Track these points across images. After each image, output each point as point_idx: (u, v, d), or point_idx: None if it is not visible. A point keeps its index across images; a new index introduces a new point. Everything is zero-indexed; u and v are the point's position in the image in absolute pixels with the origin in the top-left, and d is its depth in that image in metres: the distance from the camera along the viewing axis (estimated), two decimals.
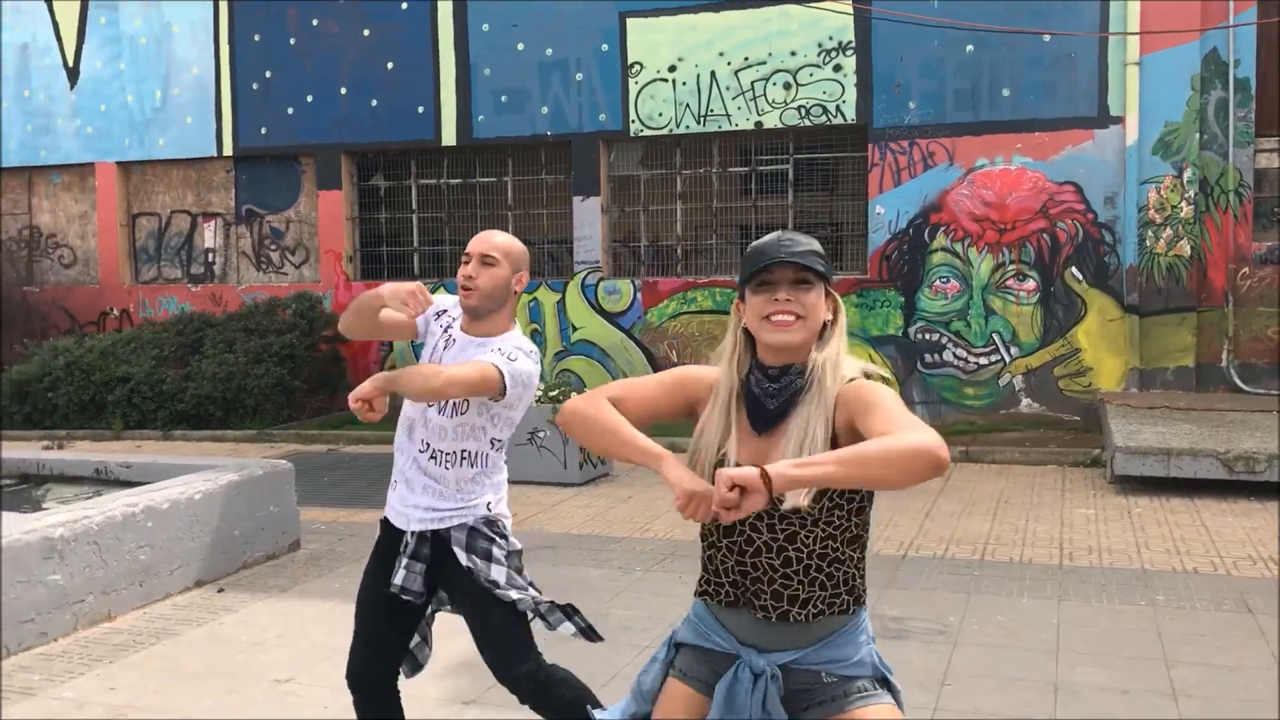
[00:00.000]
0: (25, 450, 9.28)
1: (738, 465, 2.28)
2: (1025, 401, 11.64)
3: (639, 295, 12.88)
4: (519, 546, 3.45)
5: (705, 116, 12.54)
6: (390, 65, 13.61)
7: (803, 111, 12.21)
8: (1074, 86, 11.35)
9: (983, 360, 11.75)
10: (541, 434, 9.36)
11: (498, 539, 3.37)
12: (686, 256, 13.04)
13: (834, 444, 2.23)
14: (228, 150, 14.46)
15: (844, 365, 2.33)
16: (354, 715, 3.58)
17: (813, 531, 2.26)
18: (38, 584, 5.55)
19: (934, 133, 11.76)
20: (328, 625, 5.74)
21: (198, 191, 14.95)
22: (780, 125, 12.33)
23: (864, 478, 2.06)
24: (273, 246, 14.68)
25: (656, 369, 12.64)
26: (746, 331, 2.39)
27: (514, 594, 3.28)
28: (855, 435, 2.21)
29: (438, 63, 13.42)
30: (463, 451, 3.35)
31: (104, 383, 12.90)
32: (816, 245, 2.34)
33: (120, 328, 14.66)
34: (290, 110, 14.10)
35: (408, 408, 3.45)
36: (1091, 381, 11.41)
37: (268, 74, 14.17)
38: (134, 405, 12.89)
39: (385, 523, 3.52)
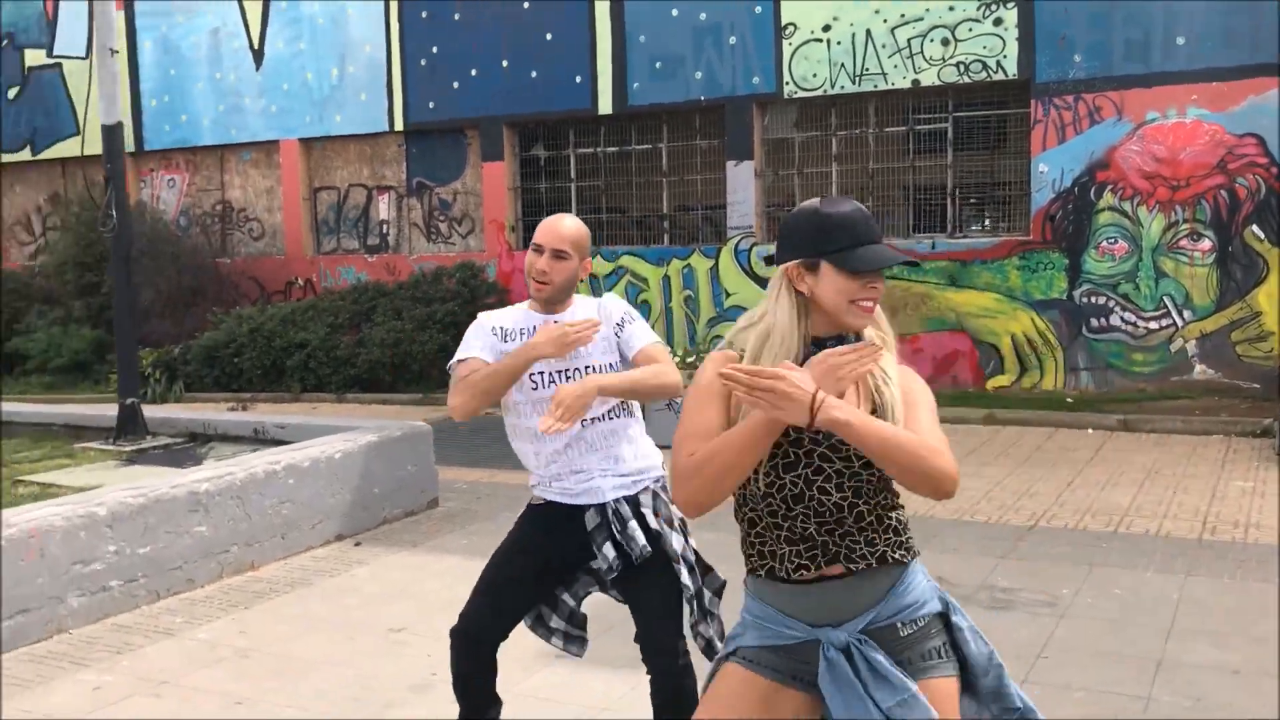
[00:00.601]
0: (199, 411, 9.97)
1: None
2: (1199, 368, 11.02)
3: None
4: None
5: (861, 76, 12.28)
6: (549, 36, 13.83)
7: (962, 68, 11.81)
8: (1258, 31, 10.60)
9: (1153, 325, 11.18)
10: (677, 401, 9.41)
11: (673, 505, 3.36)
12: None
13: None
14: (398, 125, 15.02)
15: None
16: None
17: (870, 481, 2.30)
18: (184, 534, 6.00)
19: (1101, 86, 11.20)
20: (449, 579, 5.98)
21: (372, 166, 15.60)
22: (939, 83, 11.97)
23: (884, 455, 2.18)
24: (441, 217, 15.20)
25: None
26: (800, 295, 2.33)
27: (685, 575, 3.30)
28: None
29: (594, 32, 13.57)
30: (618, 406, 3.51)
31: (283, 348, 13.70)
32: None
33: (304, 297, 15.48)
34: (455, 85, 14.52)
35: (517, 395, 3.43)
36: (1273, 347, 10.71)
37: (434, 50, 14.62)
38: (310, 370, 13.64)
39: (546, 506, 3.49)
